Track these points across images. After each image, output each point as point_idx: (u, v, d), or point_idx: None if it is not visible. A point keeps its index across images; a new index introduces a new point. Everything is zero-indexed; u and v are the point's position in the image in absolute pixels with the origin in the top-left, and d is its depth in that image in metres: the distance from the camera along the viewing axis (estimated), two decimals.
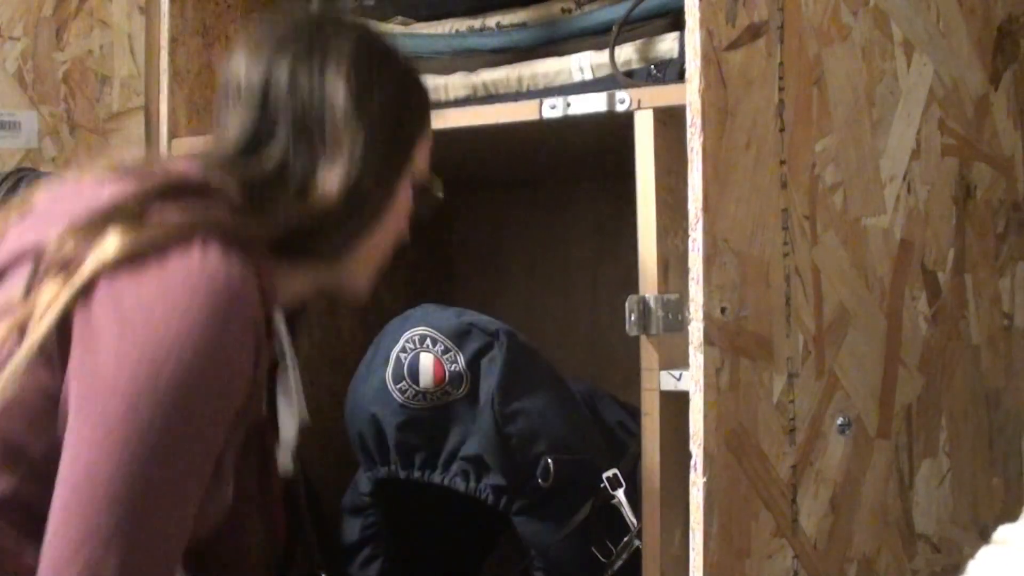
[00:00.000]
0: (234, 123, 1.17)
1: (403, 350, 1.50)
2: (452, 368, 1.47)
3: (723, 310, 1.19)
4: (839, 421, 1.31)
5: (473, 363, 1.48)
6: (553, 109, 1.37)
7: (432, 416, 1.50)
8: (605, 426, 1.59)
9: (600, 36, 1.46)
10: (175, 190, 1.10)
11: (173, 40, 1.71)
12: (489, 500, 1.48)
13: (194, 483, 1.04)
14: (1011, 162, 1.53)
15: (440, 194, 1.32)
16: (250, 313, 1.06)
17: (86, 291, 1.03)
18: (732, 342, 1.20)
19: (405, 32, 1.65)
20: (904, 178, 1.39)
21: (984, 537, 0.93)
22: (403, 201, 1.23)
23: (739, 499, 1.20)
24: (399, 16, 1.67)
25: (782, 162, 1.25)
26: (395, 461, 1.53)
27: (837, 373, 1.31)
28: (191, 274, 1.04)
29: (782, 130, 1.25)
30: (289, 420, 1.19)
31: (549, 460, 1.43)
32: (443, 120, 1.49)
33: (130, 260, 1.04)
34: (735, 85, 1.20)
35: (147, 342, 1.02)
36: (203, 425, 1.04)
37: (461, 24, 1.61)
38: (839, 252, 1.31)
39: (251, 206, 1.12)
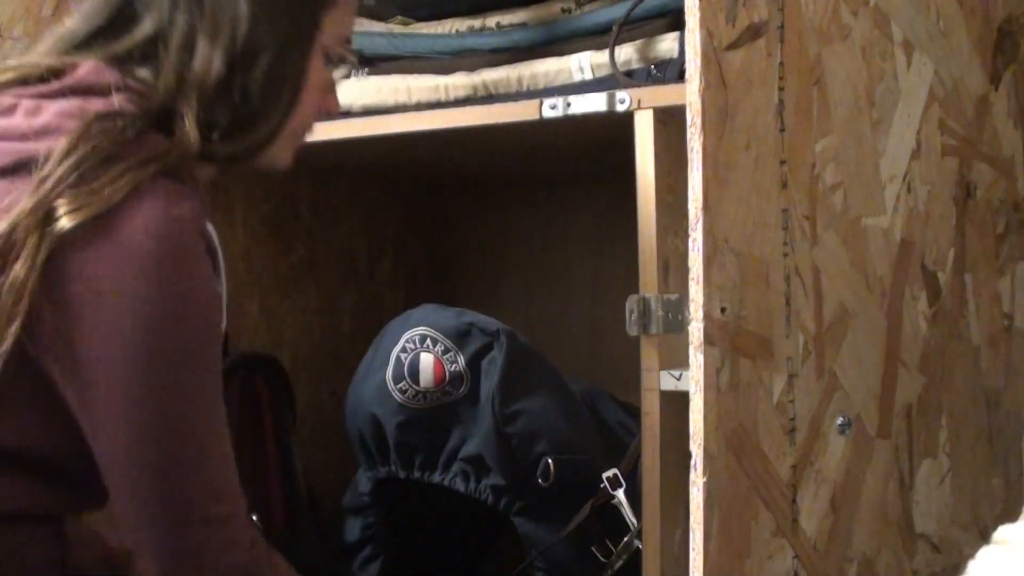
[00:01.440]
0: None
1: (403, 350, 1.50)
2: (452, 368, 1.47)
3: (723, 310, 1.19)
4: (839, 421, 1.30)
5: (473, 363, 1.48)
6: (553, 109, 1.37)
7: (432, 416, 1.50)
8: (605, 426, 1.59)
9: (600, 36, 1.46)
10: (106, 120, 1.08)
11: None
12: (489, 501, 1.48)
13: (218, 393, 1.10)
14: (1011, 162, 1.53)
15: (356, 63, 1.26)
16: (203, 240, 1.08)
17: (46, 268, 1.03)
18: (732, 342, 1.20)
19: (405, 32, 1.65)
20: (904, 178, 1.39)
21: (984, 537, 0.93)
22: (315, 79, 1.18)
23: (739, 499, 1.20)
24: (399, 16, 1.67)
25: (782, 162, 1.25)
26: (395, 461, 1.54)
27: (837, 373, 1.30)
28: (147, 232, 1.04)
29: (782, 130, 1.25)
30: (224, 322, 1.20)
31: (549, 460, 1.43)
32: (443, 120, 1.49)
33: (83, 229, 1.04)
34: (735, 85, 1.20)
35: (127, 310, 1.03)
36: (207, 358, 1.08)
37: (461, 24, 1.61)
38: (839, 252, 1.31)
39: (142, 95, 1.11)
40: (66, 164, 1.06)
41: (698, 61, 1.18)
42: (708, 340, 1.18)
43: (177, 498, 1.07)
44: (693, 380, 1.18)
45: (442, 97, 1.55)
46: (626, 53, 1.42)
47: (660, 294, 1.26)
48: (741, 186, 1.21)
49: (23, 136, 1.09)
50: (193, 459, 1.08)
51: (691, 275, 1.18)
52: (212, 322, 1.10)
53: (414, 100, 1.56)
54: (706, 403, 1.17)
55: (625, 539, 1.35)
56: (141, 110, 1.10)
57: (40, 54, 1.16)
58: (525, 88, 1.50)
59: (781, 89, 1.25)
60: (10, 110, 1.12)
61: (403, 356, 1.49)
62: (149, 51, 1.13)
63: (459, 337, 1.48)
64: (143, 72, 1.13)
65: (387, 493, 1.60)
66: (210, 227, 1.14)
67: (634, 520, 1.33)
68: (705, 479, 1.17)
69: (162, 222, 1.05)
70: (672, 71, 1.37)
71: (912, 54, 1.39)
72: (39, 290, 1.03)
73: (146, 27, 1.13)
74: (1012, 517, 0.95)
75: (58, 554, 1.16)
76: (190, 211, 1.08)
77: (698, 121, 1.18)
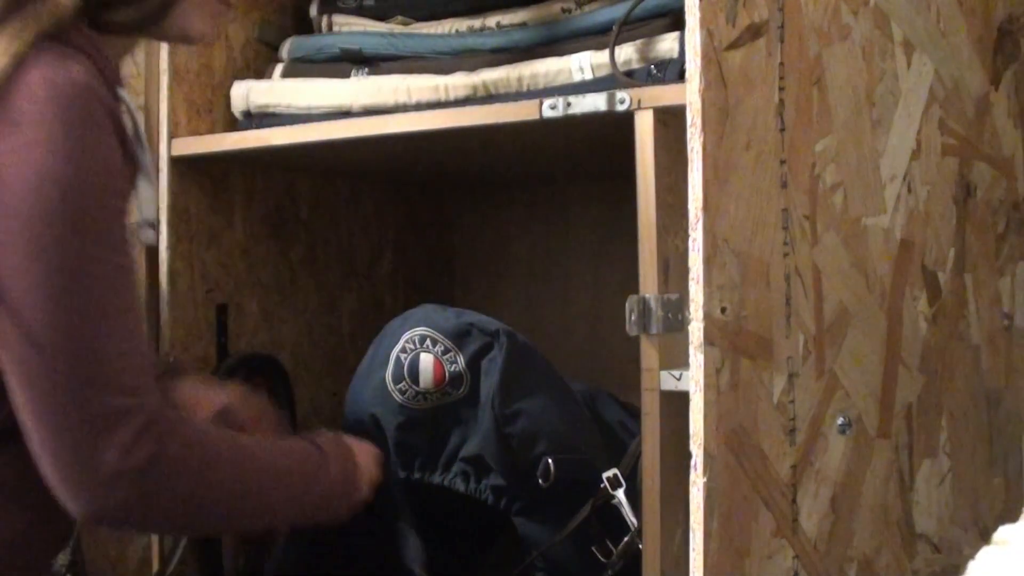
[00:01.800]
0: None
1: (403, 350, 1.50)
2: (452, 368, 1.47)
3: (723, 310, 1.19)
4: (839, 421, 1.30)
5: (473, 363, 1.48)
6: (553, 109, 1.37)
7: (432, 417, 1.50)
8: (605, 426, 1.59)
9: (600, 36, 1.46)
10: None
11: None
12: (489, 501, 1.48)
13: (126, 276, 1.05)
14: (1011, 162, 1.53)
15: None
16: (101, 106, 1.05)
17: None
18: (732, 342, 1.20)
19: (405, 32, 1.65)
20: (904, 178, 1.39)
21: (984, 537, 0.93)
22: None
23: (739, 499, 1.20)
24: (399, 16, 1.67)
25: (782, 162, 1.25)
26: (395, 462, 1.53)
27: (837, 373, 1.30)
28: (33, 100, 1.02)
29: (782, 130, 1.25)
30: (150, 195, 1.16)
31: (549, 460, 1.43)
32: (443, 120, 1.49)
33: None
34: (735, 85, 1.20)
35: (21, 183, 1.01)
36: (105, 231, 1.03)
37: (461, 24, 1.61)
38: (839, 252, 1.31)
39: None
40: None
41: (698, 61, 1.18)
42: (708, 340, 1.18)
43: (71, 389, 1.00)
44: (693, 380, 1.18)
45: (442, 97, 1.55)
46: (626, 53, 1.42)
47: (660, 294, 1.26)
48: (741, 186, 1.21)
49: None
50: (89, 343, 1.01)
51: (691, 275, 1.18)
52: (110, 190, 1.05)
53: (414, 100, 1.56)
54: (706, 403, 1.17)
55: (625, 539, 1.35)
56: None
57: None
58: (525, 88, 1.50)
59: (781, 89, 1.25)
60: None
61: (403, 356, 1.49)
62: None
63: (459, 337, 1.48)
64: None
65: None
66: (123, 92, 1.10)
67: (634, 520, 1.33)
68: (705, 479, 1.17)
69: (47, 88, 1.02)
70: (672, 71, 1.37)
71: (912, 54, 1.39)
72: None
73: None
74: (1012, 517, 0.95)
75: None
76: (79, 74, 1.04)
77: (698, 121, 1.18)
